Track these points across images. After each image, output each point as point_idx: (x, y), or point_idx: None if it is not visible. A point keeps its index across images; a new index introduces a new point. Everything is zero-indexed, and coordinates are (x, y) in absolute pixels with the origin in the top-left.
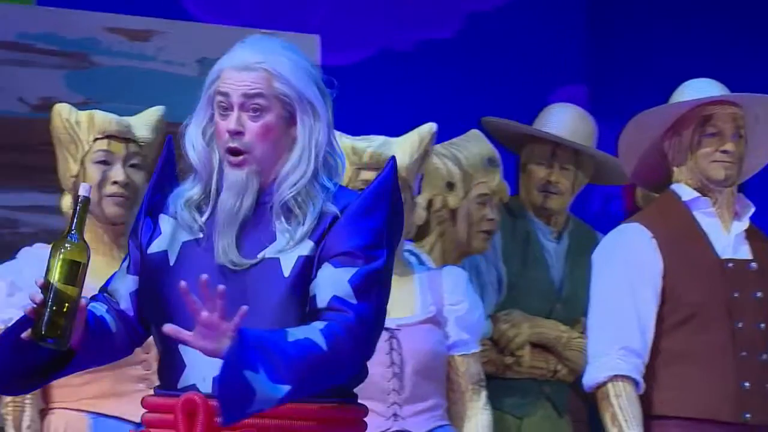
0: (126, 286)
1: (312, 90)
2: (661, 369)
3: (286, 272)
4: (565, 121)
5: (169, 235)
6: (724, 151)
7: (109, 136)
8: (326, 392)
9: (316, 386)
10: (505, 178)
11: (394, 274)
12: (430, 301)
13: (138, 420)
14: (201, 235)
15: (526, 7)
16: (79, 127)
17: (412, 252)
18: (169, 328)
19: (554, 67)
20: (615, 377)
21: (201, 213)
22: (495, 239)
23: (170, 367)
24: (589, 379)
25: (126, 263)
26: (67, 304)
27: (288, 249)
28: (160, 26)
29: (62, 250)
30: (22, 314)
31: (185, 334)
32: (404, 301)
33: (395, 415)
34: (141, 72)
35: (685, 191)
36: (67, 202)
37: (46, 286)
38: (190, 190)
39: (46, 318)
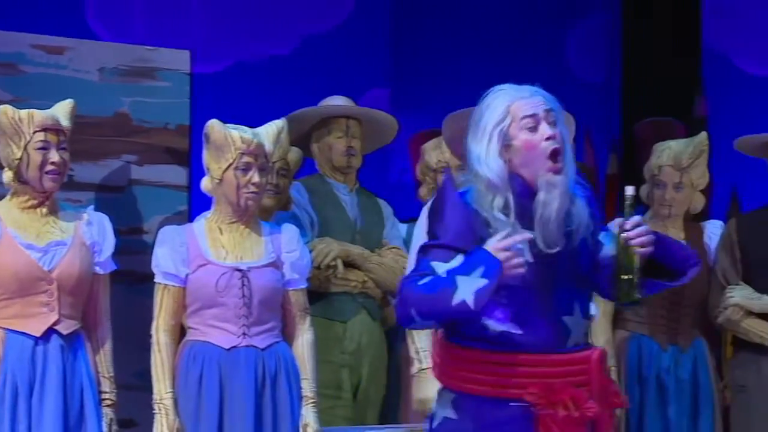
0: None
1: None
2: None
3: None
4: (342, 103)
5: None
6: None
7: (45, 129)
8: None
9: None
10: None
11: (250, 228)
12: (271, 249)
13: (38, 334)
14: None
15: (343, 31)
16: (22, 123)
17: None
18: None
19: (362, 75)
20: None
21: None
22: (303, 193)
23: (552, 332)
24: None
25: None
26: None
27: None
28: (71, 44)
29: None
30: None
31: None
32: (254, 249)
33: (244, 334)
34: (57, 78)
35: None
36: (8, 176)
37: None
38: (491, 199)
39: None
